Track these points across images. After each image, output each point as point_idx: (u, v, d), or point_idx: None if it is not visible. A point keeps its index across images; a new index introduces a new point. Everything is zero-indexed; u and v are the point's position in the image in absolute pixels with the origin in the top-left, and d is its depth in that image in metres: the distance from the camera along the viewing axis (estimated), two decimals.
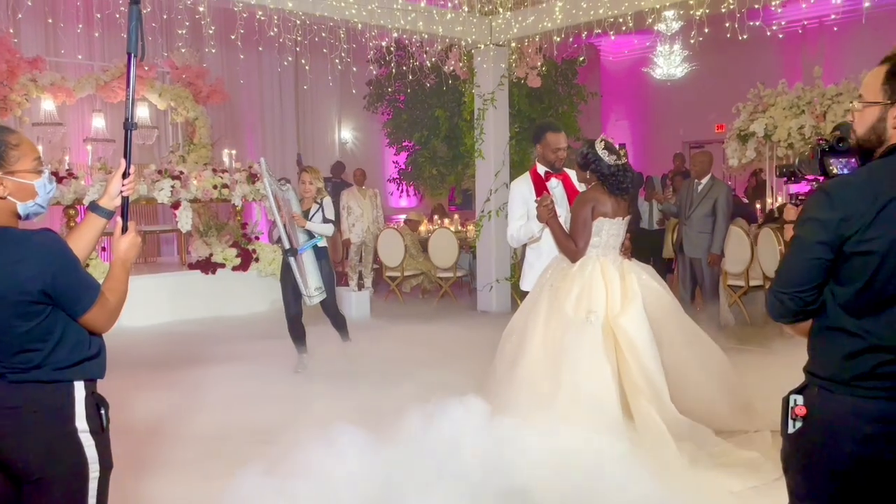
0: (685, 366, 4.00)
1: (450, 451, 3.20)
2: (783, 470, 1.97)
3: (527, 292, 4.45)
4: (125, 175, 2.27)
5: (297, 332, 5.95)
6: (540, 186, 4.56)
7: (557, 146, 4.59)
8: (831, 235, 1.74)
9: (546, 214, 4.16)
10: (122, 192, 2.27)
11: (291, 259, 5.56)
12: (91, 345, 2.02)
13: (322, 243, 5.87)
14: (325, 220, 5.81)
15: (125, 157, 2.30)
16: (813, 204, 1.80)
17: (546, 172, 4.63)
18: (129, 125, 2.31)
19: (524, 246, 4.80)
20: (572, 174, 4.55)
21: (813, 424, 1.85)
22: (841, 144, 2.02)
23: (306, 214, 5.77)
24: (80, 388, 1.98)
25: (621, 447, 3.39)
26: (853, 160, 1.96)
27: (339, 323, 6.10)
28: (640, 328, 3.86)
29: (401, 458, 3.18)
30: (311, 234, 5.80)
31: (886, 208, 1.70)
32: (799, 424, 1.87)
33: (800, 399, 1.87)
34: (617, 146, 4.14)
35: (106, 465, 2.02)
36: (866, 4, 6.02)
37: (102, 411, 2.03)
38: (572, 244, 4.06)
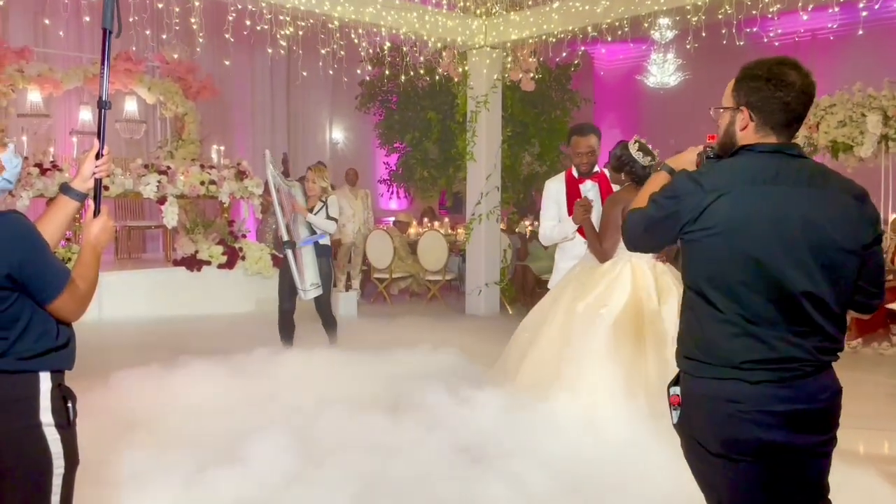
0: None
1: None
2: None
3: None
4: (98, 156, 2.16)
5: (287, 328, 5.95)
6: (573, 188, 4.52)
7: (577, 150, 4.51)
8: (672, 218, 1.91)
9: (581, 216, 4.16)
10: (94, 173, 2.15)
11: (289, 252, 5.65)
12: (59, 334, 1.91)
13: (324, 241, 5.94)
14: (329, 218, 5.86)
15: (98, 137, 2.18)
16: (671, 187, 1.95)
17: (581, 174, 4.55)
18: (102, 104, 2.20)
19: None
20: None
21: (686, 411, 1.95)
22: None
23: (311, 212, 5.86)
24: (45, 380, 1.87)
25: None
26: None
27: (330, 323, 6.09)
28: (673, 324, 3.79)
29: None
30: (312, 230, 5.85)
31: (715, 203, 1.84)
32: (677, 413, 1.96)
33: (676, 389, 1.98)
34: (650, 147, 4.05)
35: (72, 460, 1.90)
36: (864, 14, 6.00)
37: (70, 404, 1.92)
38: (599, 244, 4.05)
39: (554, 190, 4.60)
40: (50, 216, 2.18)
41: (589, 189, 4.52)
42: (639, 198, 2.09)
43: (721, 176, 1.89)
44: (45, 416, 1.85)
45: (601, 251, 4.04)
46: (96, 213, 2.12)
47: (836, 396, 1.91)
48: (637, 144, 4.00)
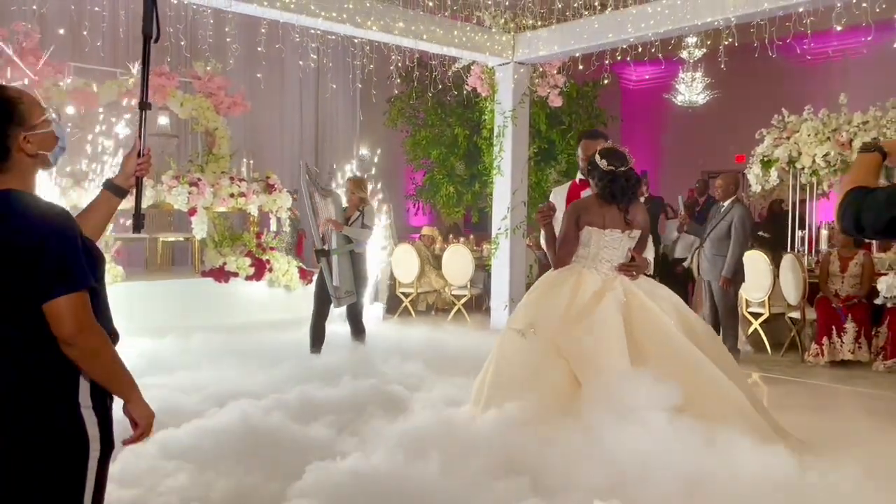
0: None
1: None
2: None
3: None
4: (140, 155, 2.22)
5: (318, 333, 6.11)
6: (574, 194, 4.39)
7: (586, 153, 4.34)
8: None
9: (540, 220, 4.11)
10: (136, 172, 2.23)
11: (322, 260, 5.88)
12: (100, 320, 1.93)
13: (360, 249, 6.13)
14: (363, 226, 6.08)
15: (139, 136, 2.26)
16: None
17: (581, 180, 4.42)
18: (143, 105, 2.29)
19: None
20: None
21: None
22: None
23: (348, 221, 6.09)
24: None
25: None
26: None
27: (359, 331, 6.24)
28: (578, 345, 3.61)
29: None
30: (348, 239, 6.03)
31: None
32: None
33: None
34: (623, 151, 3.88)
35: (107, 444, 1.91)
36: None
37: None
38: (554, 251, 3.96)
39: (556, 197, 4.48)
40: (91, 211, 2.26)
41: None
42: (853, 177, 1.86)
43: None
44: (84, 398, 1.86)
45: (555, 258, 3.94)
46: (137, 209, 2.16)
47: None
48: (603, 150, 3.85)
